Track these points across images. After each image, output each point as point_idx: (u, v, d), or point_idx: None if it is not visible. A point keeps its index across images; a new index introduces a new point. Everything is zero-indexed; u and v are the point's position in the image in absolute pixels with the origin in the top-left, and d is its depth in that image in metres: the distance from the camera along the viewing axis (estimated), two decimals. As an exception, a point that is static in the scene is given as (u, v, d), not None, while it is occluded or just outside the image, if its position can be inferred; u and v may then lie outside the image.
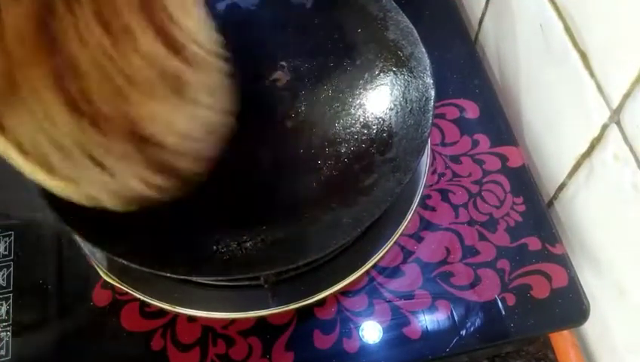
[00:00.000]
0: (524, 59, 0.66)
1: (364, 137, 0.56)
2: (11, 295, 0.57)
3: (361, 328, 0.54)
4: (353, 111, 0.58)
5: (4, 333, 0.55)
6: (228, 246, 0.49)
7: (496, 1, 0.70)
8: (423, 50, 0.55)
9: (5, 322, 0.55)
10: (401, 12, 0.58)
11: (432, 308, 0.55)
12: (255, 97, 0.60)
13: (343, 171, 0.55)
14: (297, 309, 0.53)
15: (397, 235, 0.54)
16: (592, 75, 0.51)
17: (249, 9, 0.65)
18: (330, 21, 0.62)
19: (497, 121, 0.67)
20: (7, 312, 0.56)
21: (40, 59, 0.33)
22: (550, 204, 0.65)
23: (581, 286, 0.56)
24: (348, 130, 0.57)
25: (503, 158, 0.64)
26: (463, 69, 0.70)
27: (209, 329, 0.54)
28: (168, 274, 0.45)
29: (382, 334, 0.54)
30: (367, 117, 0.57)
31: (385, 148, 0.54)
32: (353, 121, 0.57)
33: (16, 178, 0.64)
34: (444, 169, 0.63)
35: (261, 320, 0.54)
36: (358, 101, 0.58)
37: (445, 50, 0.71)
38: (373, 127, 0.56)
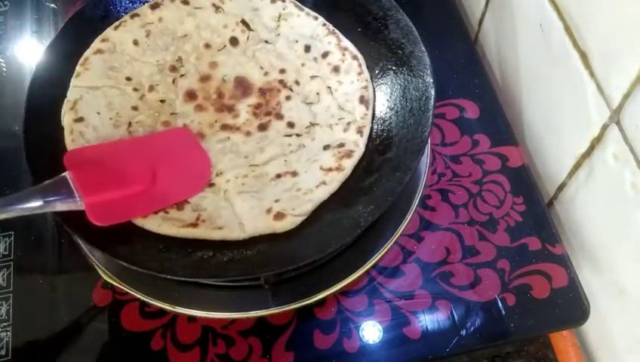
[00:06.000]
0: (524, 59, 0.66)
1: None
2: (11, 295, 0.57)
3: (361, 328, 0.54)
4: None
5: (4, 333, 0.55)
6: (228, 247, 0.49)
7: (496, 1, 0.70)
8: (423, 49, 0.55)
9: (5, 322, 0.55)
10: (401, 11, 0.58)
11: (432, 308, 0.55)
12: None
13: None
14: (297, 309, 0.53)
15: (397, 235, 0.54)
16: (592, 75, 0.51)
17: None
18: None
19: (497, 121, 0.67)
20: (7, 312, 0.56)
21: None
22: (550, 203, 0.65)
23: (581, 286, 0.56)
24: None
25: (503, 158, 0.63)
26: (463, 69, 0.70)
27: (209, 329, 0.54)
28: (169, 277, 0.45)
29: (382, 334, 0.54)
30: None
31: (385, 148, 0.53)
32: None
33: (17, 178, 0.65)
34: (444, 169, 0.63)
35: (261, 320, 0.54)
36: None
37: (445, 50, 0.71)
38: (373, 126, 0.56)
